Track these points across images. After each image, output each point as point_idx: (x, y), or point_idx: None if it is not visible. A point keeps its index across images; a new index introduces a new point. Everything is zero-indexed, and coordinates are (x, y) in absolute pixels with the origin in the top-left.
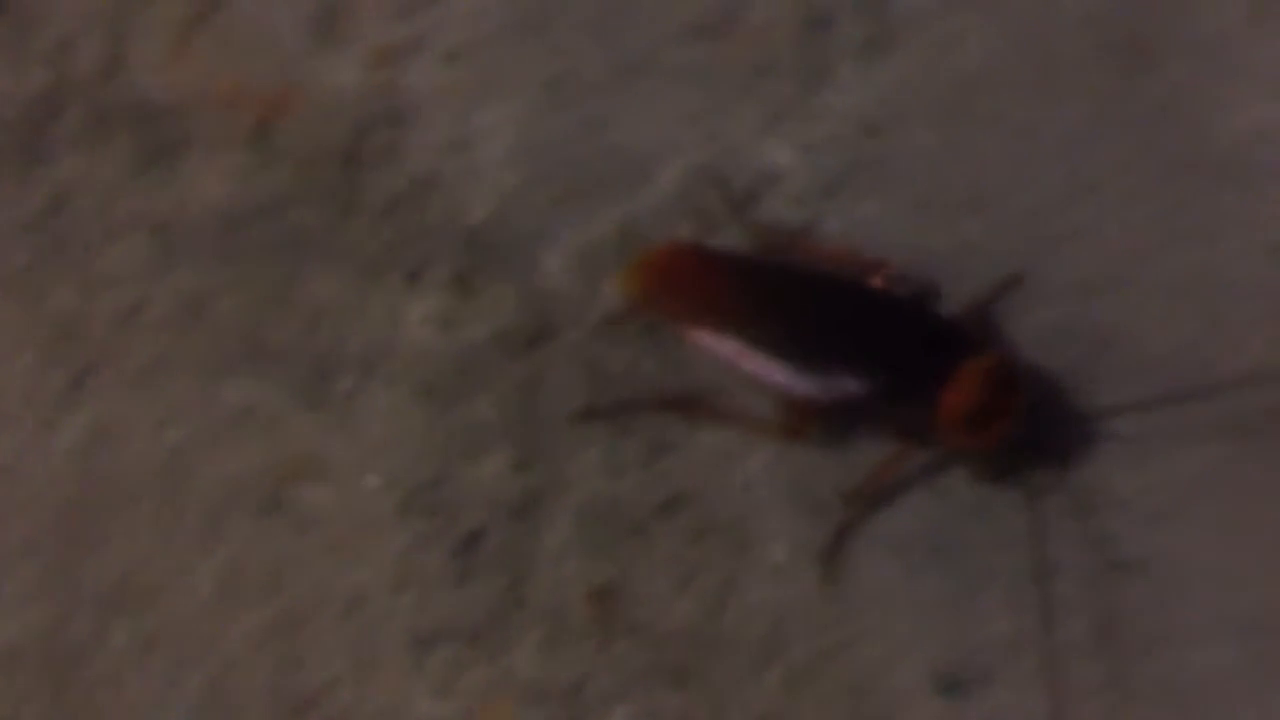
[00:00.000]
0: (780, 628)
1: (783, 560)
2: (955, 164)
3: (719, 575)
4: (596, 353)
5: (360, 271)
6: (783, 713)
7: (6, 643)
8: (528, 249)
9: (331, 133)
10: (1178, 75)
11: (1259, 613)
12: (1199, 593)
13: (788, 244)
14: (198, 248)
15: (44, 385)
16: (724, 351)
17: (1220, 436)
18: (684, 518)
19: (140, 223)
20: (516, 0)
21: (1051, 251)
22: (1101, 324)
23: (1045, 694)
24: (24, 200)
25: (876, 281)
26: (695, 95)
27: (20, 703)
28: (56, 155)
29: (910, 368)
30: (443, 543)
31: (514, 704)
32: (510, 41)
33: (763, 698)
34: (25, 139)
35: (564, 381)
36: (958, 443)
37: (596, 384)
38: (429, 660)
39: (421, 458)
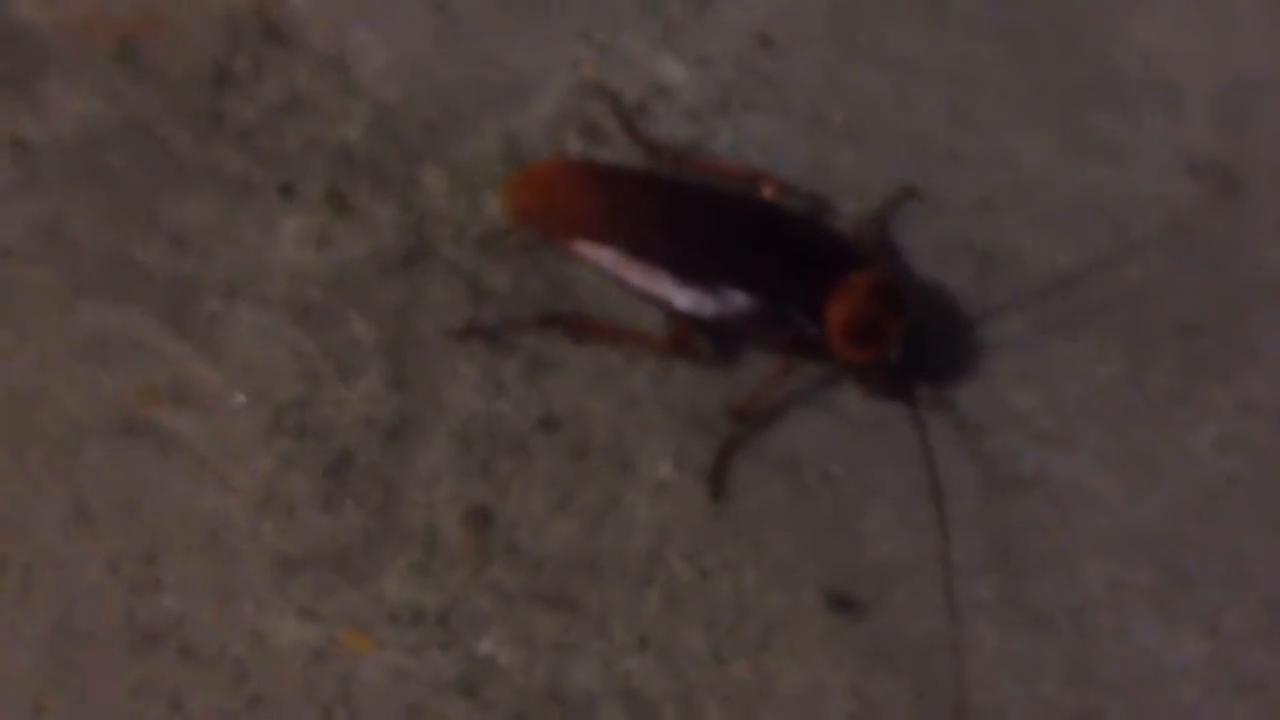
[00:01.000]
0: (663, 547)
1: (666, 478)
2: (847, 81)
3: (600, 494)
4: (476, 271)
5: (229, 190)
6: (664, 633)
7: None
8: (406, 165)
9: (200, 50)
10: (1071, 4)
11: (1149, 529)
12: (1091, 510)
13: (678, 158)
14: (57, 170)
15: None
16: (610, 266)
17: (1116, 354)
18: (564, 436)
19: None
20: None
21: (945, 171)
22: (998, 241)
23: (939, 611)
24: None
25: (765, 195)
26: (585, 8)
27: None
28: None
29: (797, 281)
30: (311, 464)
31: (381, 630)
32: None
33: (644, 618)
34: None
35: (442, 300)
36: (845, 357)
37: (476, 303)
38: (294, 585)
39: (291, 378)
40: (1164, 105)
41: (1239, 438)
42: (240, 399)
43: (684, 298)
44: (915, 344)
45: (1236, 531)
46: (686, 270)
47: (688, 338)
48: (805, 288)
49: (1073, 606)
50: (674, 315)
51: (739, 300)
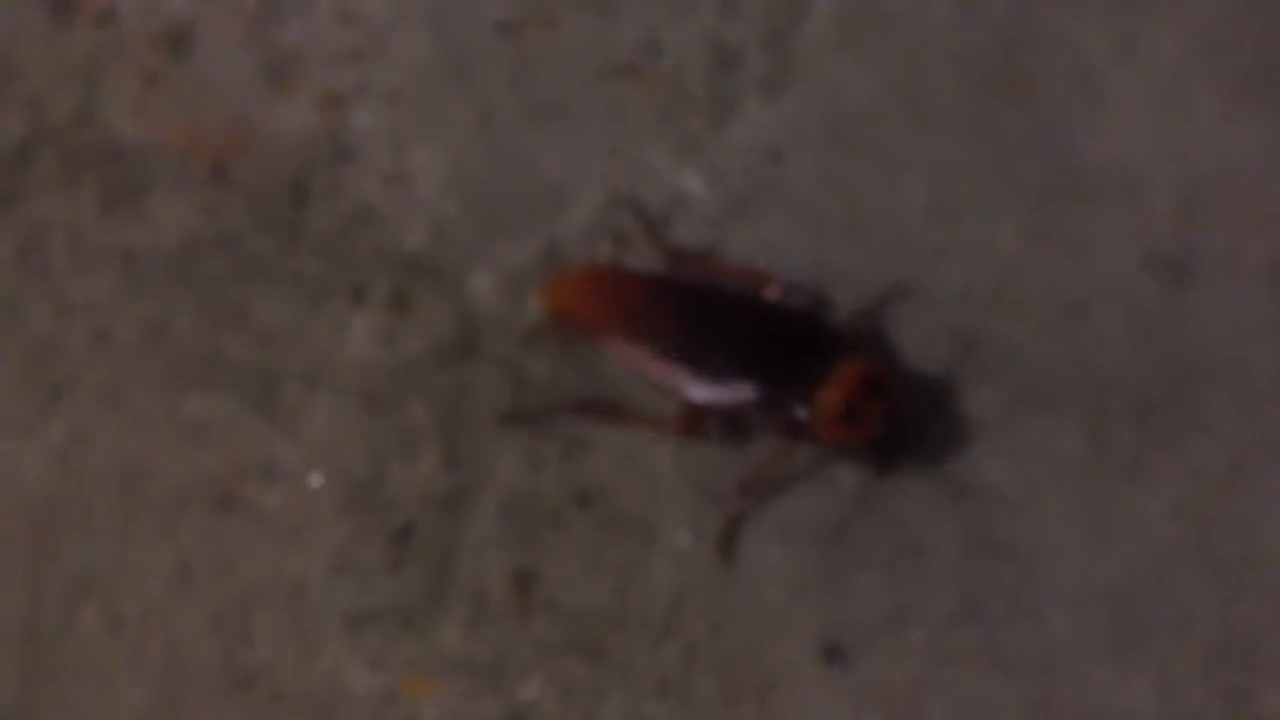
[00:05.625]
0: (680, 605)
1: (684, 545)
2: (843, 187)
3: (627, 559)
4: (519, 363)
5: (307, 294)
6: (681, 680)
7: None
8: (459, 271)
9: (282, 169)
10: (1042, 107)
11: (1106, 586)
12: (1055, 569)
13: (695, 261)
14: (161, 276)
15: (24, 399)
16: (633, 359)
17: (1078, 430)
18: (596, 509)
19: (109, 254)
20: (450, 47)
21: (930, 265)
22: (975, 328)
23: (921, 659)
24: (4, 235)
25: (770, 294)
26: (613, 130)
27: None
28: (34, 195)
29: (793, 370)
30: (379, 534)
31: (440, 677)
32: (445, 85)
33: (664, 667)
34: (4, 181)
35: (490, 389)
36: (834, 436)
37: (519, 391)
38: (364, 638)
39: (361, 458)
40: (1124, 199)
41: (1187, 505)
42: (319, 477)
43: (696, 388)
44: (896, 423)
45: (1184, 588)
46: (699, 363)
47: (698, 421)
48: (800, 376)
49: (1037, 654)
50: (687, 402)
51: (743, 389)
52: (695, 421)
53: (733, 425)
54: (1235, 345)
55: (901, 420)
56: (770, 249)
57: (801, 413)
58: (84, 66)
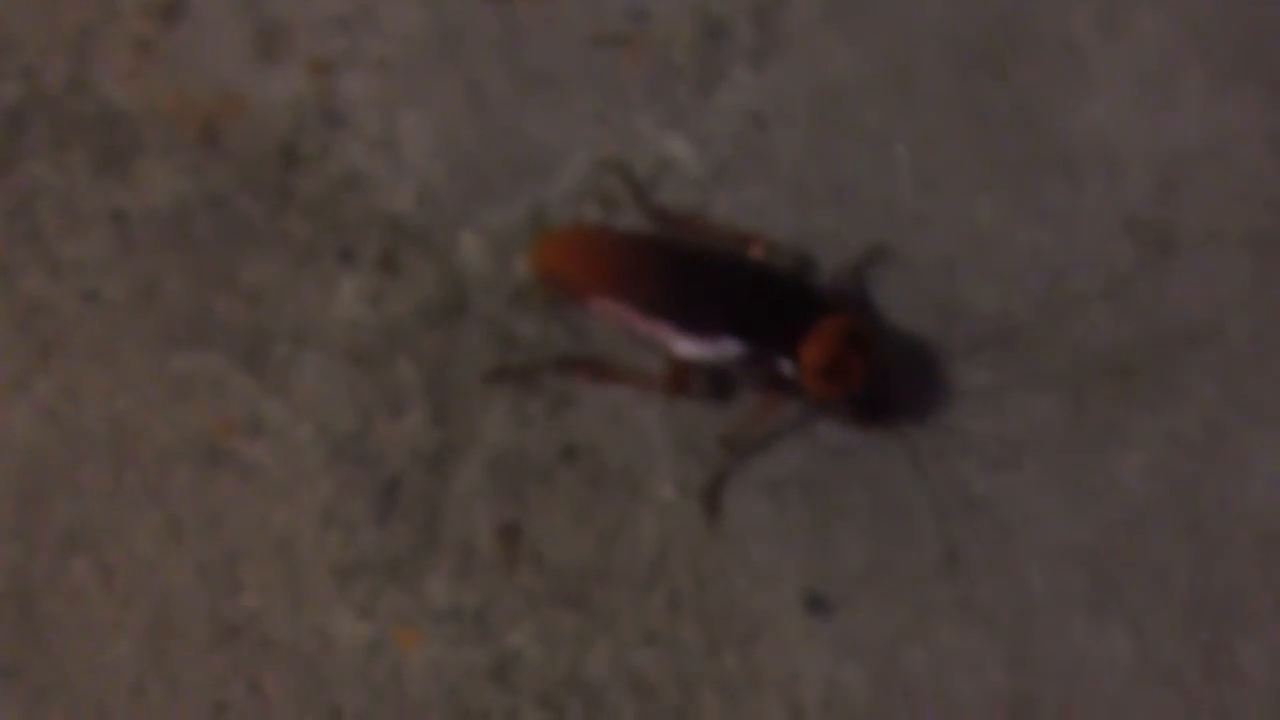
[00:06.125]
0: (665, 558)
1: (669, 499)
2: (827, 157)
3: (612, 514)
4: (506, 322)
5: (296, 255)
6: (666, 630)
7: None
8: (447, 232)
9: (272, 134)
10: (1025, 82)
11: (1083, 543)
12: (1033, 526)
13: (681, 223)
14: (152, 237)
15: (16, 355)
16: (620, 316)
17: (1057, 391)
18: (582, 464)
19: (101, 216)
20: (440, 16)
21: (912, 233)
22: (957, 295)
23: (900, 610)
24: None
25: (754, 254)
26: (601, 97)
27: None
28: (28, 158)
29: (777, 327)
30: (366, 488)
31: (426, 626)
32: (434, 52)
33: (649, 618)
34: (1, 145)
35: (477, 348)
36: (817, 391)
37: (506, 350)
38: (352, 588)
39: (349, 414)
40: (1106, 173)
41: (1162, 465)
42: (306, 431)
43: (683, 344)
44: (879, 381)
45: (1158, 545)
46: (685, 320)
47: (685, 378)
48: (784, 332)
49: (1015, 607)
50: (674, 358)
51: (728, 345)
52: (682, 378)
53: (718, 382)
54: (1214, 312)
55: (883, 377)
56: (754, 214)
57: (785, 367)
58: (77, 34)
